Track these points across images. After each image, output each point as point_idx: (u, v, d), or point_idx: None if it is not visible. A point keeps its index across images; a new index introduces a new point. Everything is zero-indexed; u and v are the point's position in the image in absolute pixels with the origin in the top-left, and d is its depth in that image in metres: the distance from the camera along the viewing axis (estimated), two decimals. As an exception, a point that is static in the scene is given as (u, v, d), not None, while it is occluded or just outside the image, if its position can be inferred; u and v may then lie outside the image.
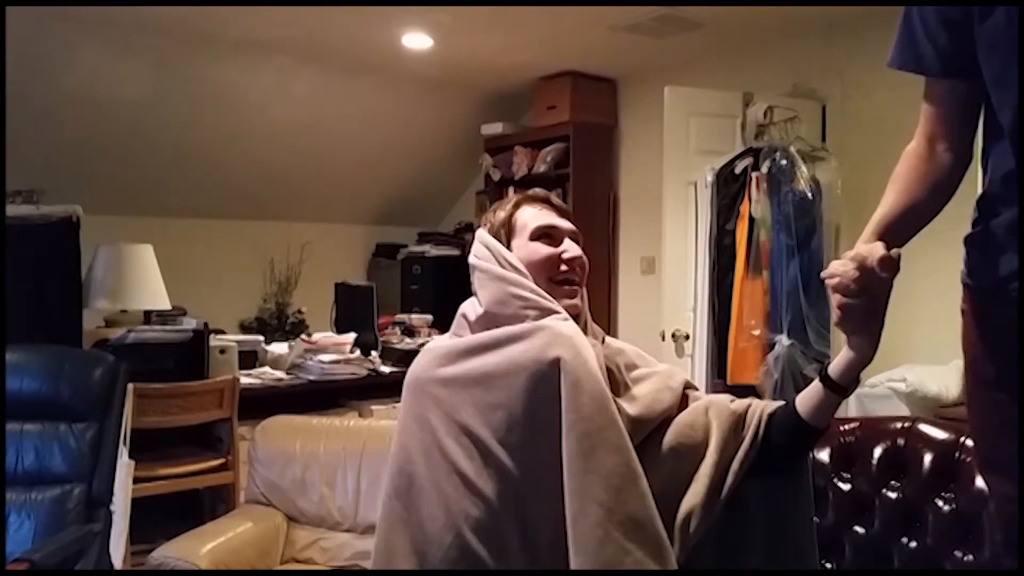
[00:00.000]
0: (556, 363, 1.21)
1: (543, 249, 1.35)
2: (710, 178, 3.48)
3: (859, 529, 1.61)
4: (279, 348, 3.85)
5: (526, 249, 1.36)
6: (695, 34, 4.00)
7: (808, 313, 3.21)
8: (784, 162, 3.33)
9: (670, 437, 1.28)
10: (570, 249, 1.37)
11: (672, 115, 3.70)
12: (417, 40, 4.15)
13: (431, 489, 1.25)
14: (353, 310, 4.13)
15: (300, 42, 4.16)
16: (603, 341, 1.41)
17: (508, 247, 1.36)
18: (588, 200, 4.78)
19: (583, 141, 4.80)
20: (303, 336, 3.81)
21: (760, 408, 1.31)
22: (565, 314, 1.30)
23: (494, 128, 5.21)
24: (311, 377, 3.49)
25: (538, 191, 1.44)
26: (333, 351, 3.60)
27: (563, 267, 1.35)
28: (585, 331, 1.37)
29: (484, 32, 4.05)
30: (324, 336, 3.77)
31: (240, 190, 4.96)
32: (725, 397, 1.36)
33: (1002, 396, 1.27)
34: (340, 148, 5.09)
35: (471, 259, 1.39)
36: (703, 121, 3.75)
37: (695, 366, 3.58)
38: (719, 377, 3.42)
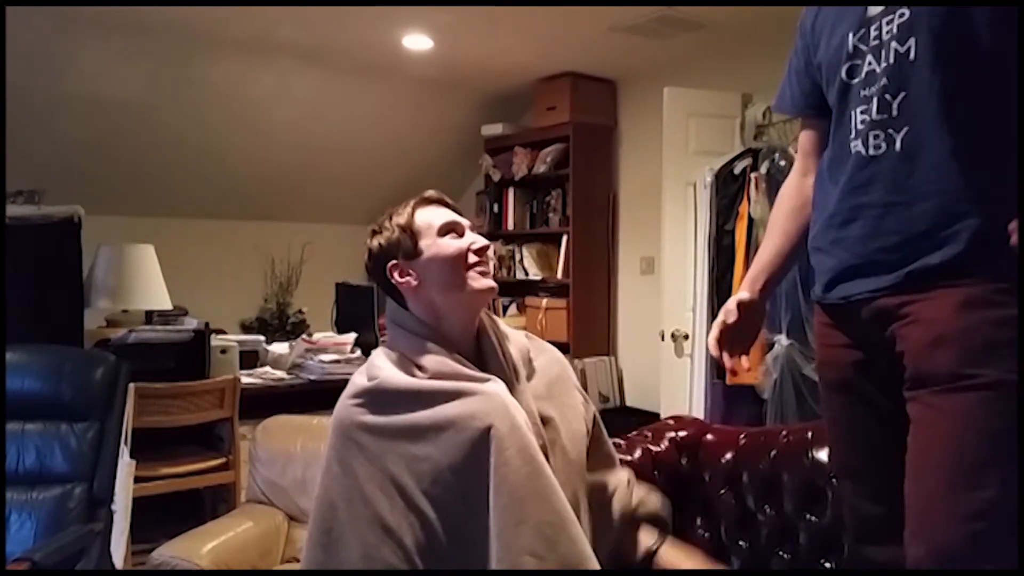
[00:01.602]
0: (489, 427, 1.24)
1: (454, 243, 1.40)
2: (709, 178, 3.49)
3: (857, 528, 1.61)
4: (280, 348, 3.85)
5: (437, 246, 1.39)
6: (695, 34, 4.00)
7: (807, 313, 3.21)
8: (783, 163, 3.34)
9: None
10: (477, 240, 1.42)
11: (671, 116, 3.70)
12: (417, 41, 4.16)
13: (351, 536, 1.26)
14: (354, 310, 4.14)
15: (301, 43, 4.17)
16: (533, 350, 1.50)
17: (415, 249, 1.39)
18: (588, 200, 4.78)
19: (583, 141, 4.80)
20: (304, 336, 3.82)
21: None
22: (493, 379, 1.33)
23: (494, 129, 5.22)
24: (312, 377, 3.50)
25: (431, 192, 1.49)
26: (334, 351, 3.61)
27: (473, 257, 1.40)
28: (495, 325, 1.46)
29: (484, 33, 4.05)
30: (325, 336, 3.78)
31: (241, 190, 4.97)
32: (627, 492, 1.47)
33: (846, 399, 1.39)
34: (341, 148, 5.09)
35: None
36: (702, 122, 3.76)
37: (695, 366, 3.59)
38: (718, 377, 3.43)
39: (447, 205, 1.47)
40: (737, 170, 3.44)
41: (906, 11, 1.23)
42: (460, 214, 1.47)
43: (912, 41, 1.22)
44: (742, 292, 1.50)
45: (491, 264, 1.45)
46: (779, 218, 1.52)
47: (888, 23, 1.25)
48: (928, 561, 1.17)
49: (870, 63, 1.28)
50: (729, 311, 1.45)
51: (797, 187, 1.51)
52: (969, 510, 1.14)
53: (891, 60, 1.24)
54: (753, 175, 3.37)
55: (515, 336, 1.49)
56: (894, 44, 1.24)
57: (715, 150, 3.63)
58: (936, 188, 1.21)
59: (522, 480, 1.21)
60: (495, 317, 1.51)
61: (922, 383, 1.21)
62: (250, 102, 4.52)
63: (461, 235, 1.42)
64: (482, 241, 1.42)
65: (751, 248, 3.33)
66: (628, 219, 4.89)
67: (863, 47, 1.29)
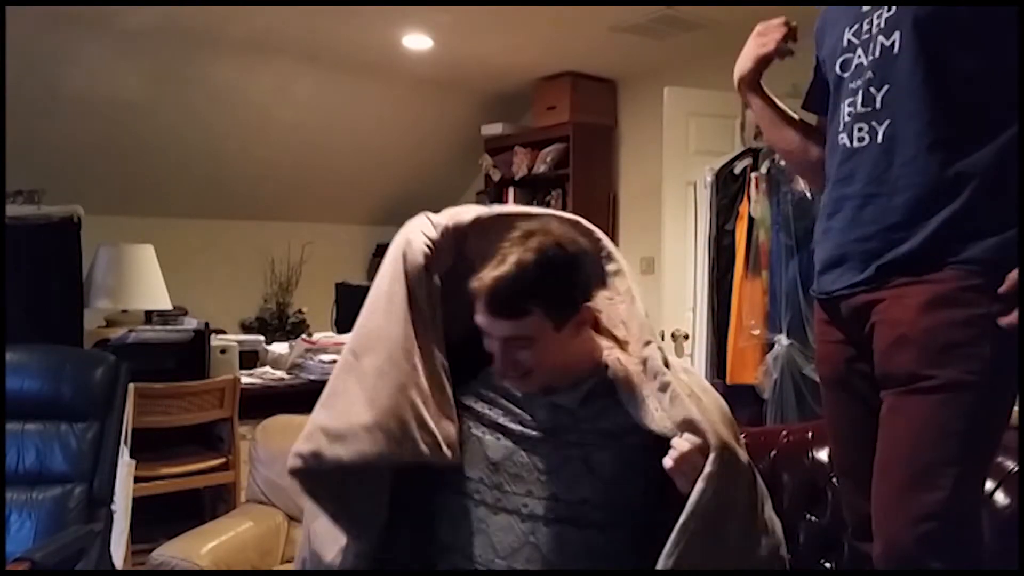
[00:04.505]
0: None
1: (486, 342, 1.32)
2: (709, 178, 3.49)
3: (858, 528, 1.61)
4: (280, 348, 3.85)
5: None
6: (695, 34, 4.00)
7: (807, 313, 3.20)
8: (783, 163, 3.33)
9: None
10: (499, 360, 1.29)
11: (671, 115, 3.71)
12: (417, 41, 4.16)
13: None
14: (354, 310, 4.06)
15: (300, 43, 4.17)
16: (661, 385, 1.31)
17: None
18: (588, 200, 4.78)
19: (583, 141, 4.80)
20: (304, 336, 3.82)
21: None
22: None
23: (494, 128, 5.22)
24: (312, 377, 3.50)
25: (480, 289, 1.26)
26: (333, 351, 3.60)
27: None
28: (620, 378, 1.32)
29: (484, 33, 4.05)
30: (325, 336, 3.78)
31: (241, 190, 4.97)
32: None
33: (841, 395, 1.40)
34: (340, 148, 5.09)
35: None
36: (702, 121, 3.76)
37: (694, 366, 3.59)
38: (719, 377, 3.43)
39: (488, 308, 1.27)
40: (737, 170, 3.43)
41: (894, 6, 1.25)
42: (507, 314, 1.26)
43: (897, 35, 1.24)
44: None
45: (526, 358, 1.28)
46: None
47: (878, 17, 1.27)
48: (883, 559, 1.19)
49: (859, 56, 1.30)
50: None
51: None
52: (919, 511, 1.16)
53: (877, 54, 1.26)
54: (753, 175, 3.37)
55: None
56: (880, 38, 1.26)
57: (715, 150, 3.62)
58: (912, 181, 1.22)
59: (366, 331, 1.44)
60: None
61: (886, 383, 1.24)
62: (250, 102, 4.52)
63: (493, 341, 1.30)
64: (501, 363, 1.29)
65: (751, 248, 3.33)
66: (628, 219, 4.89)
67: (855, 41, 1.31)
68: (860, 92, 1.28)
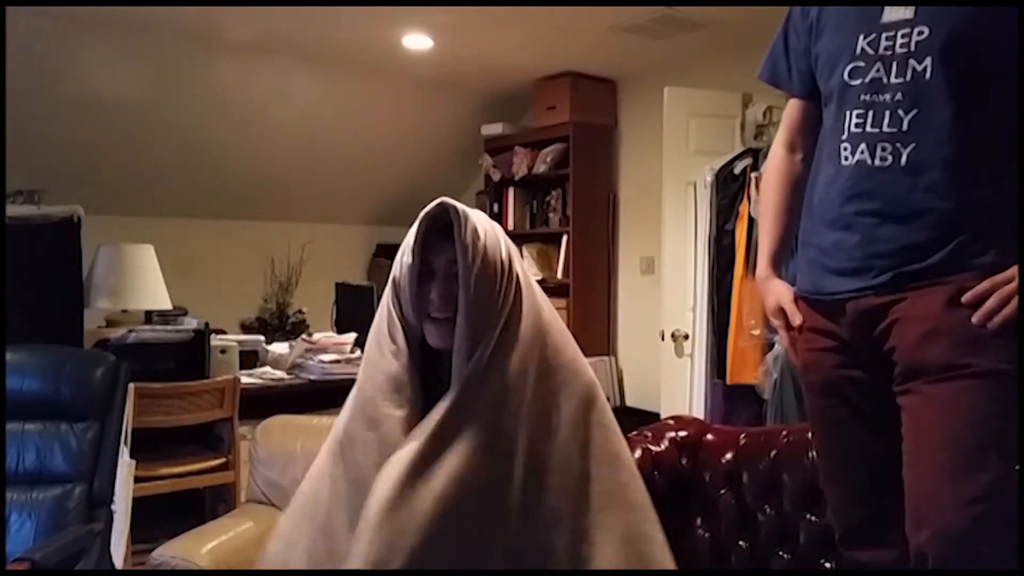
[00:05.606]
0: None
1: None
2: (709, 178, 3.49)
3: (857, 528, 1.61)
4: (280, 348, 3.85)
5: None
6: (695, 34, 4.00)
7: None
8: (783, 162, 3.34)
9: None
10: (437, 289, 1.28)
11: (672, 115, 3.70)
12: (417, 41, 4.16)
13: None
14: (354, 310, 4.14)
15: (300, 43, 4.17)
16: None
17: None
18: (588, 200, 4.78)
19: (583, 141, 4.80)
20: (304, 336, 3.82)
21: None
22: None
23: (494, 129, 5.22)
24: (312, 377, 3.50)
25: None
26: (334, 351, 3.61)
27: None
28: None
29: (484, 33, 4.06)
30: (325, 336, 3.78)
31: (241, 190, 4.97)
32: None
33: (829, 403, 1.40)
34: (340, 149, 5.09)
35: None
36: (702, 121, 3.75)
37: (695, 366, 3.59)
38: (719, 377, 3.43)
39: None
40: (737, 170, 3.43)
41: (925, 28, 1.24)
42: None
43: (929, 60, 1.23)
44: (777, 283, 1.50)
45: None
46: (778, 196, 1.53)
47: (904, 36, 1.26)
48: (929, 545, 1.18)
49: (877, 70, 1.28)
50: (794, 312, 1.45)
51: (788, 163, 1.52)
52: (970, 494, 1.16)
53: (908, 76, 1.25)
54: (753, 175, 3.37)
55: None
56: (912, 61, 1.25)
57: (715, 150, 3.62)
58: (933, 206, 1.24)
59: None
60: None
61: (916, 375, 1.24)
62: (250, 102, 4.52)
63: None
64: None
65: (751, 248, 3.33)
66: (628, 219, 4.89)
67: (871, 52, 1.29)
68: (886, 111, 1.27)
